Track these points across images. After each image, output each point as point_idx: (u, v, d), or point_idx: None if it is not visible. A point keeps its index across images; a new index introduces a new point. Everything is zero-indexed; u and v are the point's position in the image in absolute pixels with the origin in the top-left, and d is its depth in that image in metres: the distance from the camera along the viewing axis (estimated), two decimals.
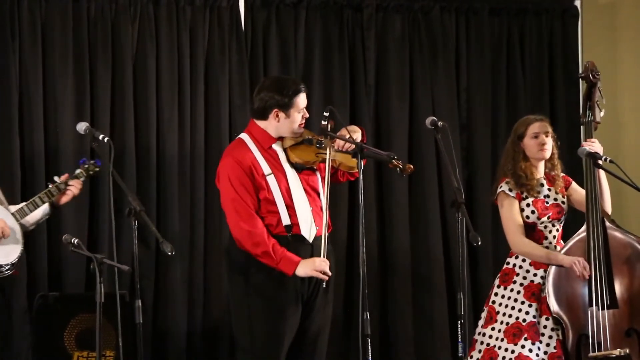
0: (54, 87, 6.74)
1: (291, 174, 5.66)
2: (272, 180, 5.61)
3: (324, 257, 5.53)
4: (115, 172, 5.42)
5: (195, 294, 6.95)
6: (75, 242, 5.12)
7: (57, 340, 6.20)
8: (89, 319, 6.11)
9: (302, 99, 5.67)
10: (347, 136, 5.55)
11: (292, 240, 5.58)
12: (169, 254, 5.15)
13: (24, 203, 5.94)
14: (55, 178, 5.99)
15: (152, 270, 6.83)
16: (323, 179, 5.68)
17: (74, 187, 5.99)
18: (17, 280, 6.40)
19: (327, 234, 5.58)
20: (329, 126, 5.61)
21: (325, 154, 5.61)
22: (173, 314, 6.88)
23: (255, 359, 5.58)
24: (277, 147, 5.68)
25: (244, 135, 5.73)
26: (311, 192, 5.69)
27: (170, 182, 6.91)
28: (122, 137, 6.81)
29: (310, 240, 5.62)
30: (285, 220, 5.60)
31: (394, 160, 5.51)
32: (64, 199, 6.01)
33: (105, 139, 5.37)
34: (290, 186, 5.64)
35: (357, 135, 5.65)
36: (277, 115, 5.65)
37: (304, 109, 5.68)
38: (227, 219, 5.60)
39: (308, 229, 5.62)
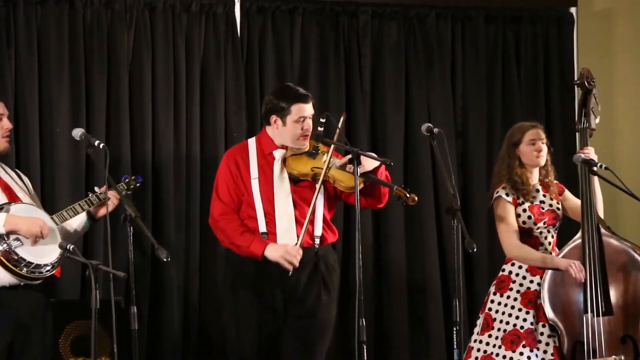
0: (49, 93, 6.73)
1: (279, 183, 5.61)
2: (255, 185, 5.59)
3: (298, 245, 5.52)
4: (111, 178, 5.42)
5: (190, 300, 6.93)
6: (71, 248, 5.10)
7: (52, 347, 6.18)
8: (84, 325, 6.09)
9: (299, 108, 5.60)
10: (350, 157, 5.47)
11: None
12: (165, 260, 5.13)
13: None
14: (96, 188, 5.74)
15: (148, 276, 6.82)
16: (323, 194, 5.62)
17: (114, 198, 5.65)
18: None
19: (306, 225, 5.55)
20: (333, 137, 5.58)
21: (322, 170, 5.56)
22: (168, 321, 6.86)
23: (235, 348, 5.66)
24: (277, 153, 5.65)
25: (251, 138, 5.74)
26: (302, 204, 5.63)
27: (165, 188, 6.90)
28: (117, 143, 6.79)
29: None
30: (262, 227, 5.57)
31: (397, 188, 5.49)
32: (102, 211, 5.71)
33: (101, 145, 5.36)
34: (275, 194, 5.59)
35: (370, 163, 5.54)
36: (275, 122, 5.63)
37: (305, 121, 5.62)
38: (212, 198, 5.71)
39: (287, 240, 5.57)
